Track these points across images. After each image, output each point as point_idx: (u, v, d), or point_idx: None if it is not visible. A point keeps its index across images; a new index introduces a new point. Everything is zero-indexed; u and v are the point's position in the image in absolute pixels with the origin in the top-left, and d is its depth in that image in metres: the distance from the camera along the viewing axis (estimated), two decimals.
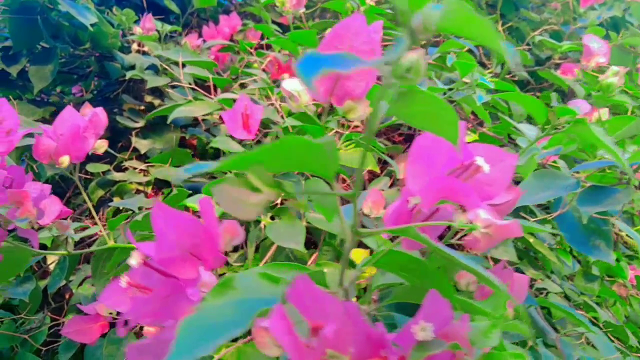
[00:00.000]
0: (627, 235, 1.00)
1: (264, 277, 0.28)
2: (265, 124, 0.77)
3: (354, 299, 0.56)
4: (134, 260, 0.30)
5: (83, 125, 0.54)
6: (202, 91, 0.88)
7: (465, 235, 0.35)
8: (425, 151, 0.31)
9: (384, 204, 0.37)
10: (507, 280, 0.43)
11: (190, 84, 0.89)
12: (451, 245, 0.38)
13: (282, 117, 0.72)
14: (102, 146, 0.56)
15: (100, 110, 0.56)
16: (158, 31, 1.05)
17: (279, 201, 0.72)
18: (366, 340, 0.27)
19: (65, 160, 0.53)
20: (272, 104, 0.75)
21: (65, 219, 0.56)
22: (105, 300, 0.33)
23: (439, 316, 0.28)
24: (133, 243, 0.31)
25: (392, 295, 0.36)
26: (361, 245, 0.75)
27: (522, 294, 0.47)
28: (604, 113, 0.59)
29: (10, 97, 1.05)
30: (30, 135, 0.60)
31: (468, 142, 0.34)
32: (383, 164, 0.85)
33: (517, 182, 0.77)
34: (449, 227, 0.34)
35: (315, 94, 0.31)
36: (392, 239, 0.38)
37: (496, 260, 0.67)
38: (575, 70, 0.72)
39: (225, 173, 0.76)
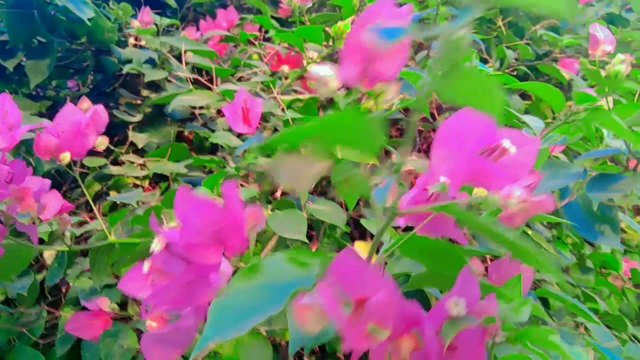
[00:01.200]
0: (622, 228, 1.01)
1: (291, 262, 0.28)
2: (266, 117, 0.77)
3: None
4: (157, 245, 0.30)
5: (84, 122, 0.53)
6: (202, 80, 0.88)
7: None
8: (454, 134, 0.31)
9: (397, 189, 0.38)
10: (515, 273, 0.43)
11: (187, 74, 0.89)
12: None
13: (282, 110, 0.72)
14: (102, 143, 0.56)
15: (101, 108, 0.56)
16: (156, 25, 1.05)
17: (278, 193, 0.73)
18: (401, 316, 0.28)
19: (66, 157, 0.52)
20: (273, 97, 0.75)
21: (68, 214, 0.56)
22: (124, 286, 0.33)
23: (470, 294, 0.28)
24: (156, 229, 0.31)
25: (410, 282, 0.36)
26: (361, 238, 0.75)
27: (527, 285, 0.48)
28: (610, 101, 0.59)
29: (7, 91, 1.04)
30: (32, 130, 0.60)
31: None
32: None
33: None
34: None
35: (346, 78, 0.31)
36: (404, 230, 0.38)
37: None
38: (581, 60, 0.72)
39: (209, 169, 0.76)
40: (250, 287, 0.25)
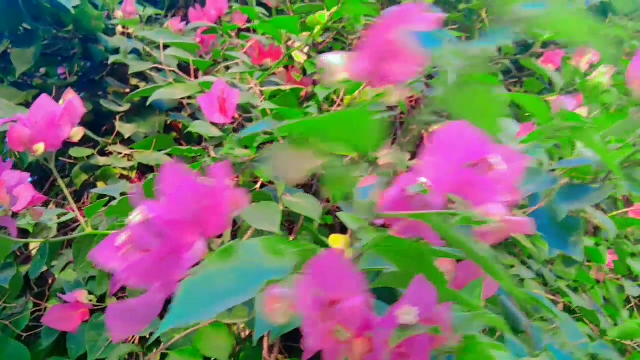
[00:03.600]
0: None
1: (267, 248, 0.28)
2: (246, 109, 0.77)
3: None
4: (139, 216, 0.30)
5: (58, 113, 0.53)
6: (184, 75, 0.88)
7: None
8: (446, 143, 0.32)
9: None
10: (481, 273, 0.44)
11: (172, 67, 0.89)
12: None
13: (261, 100, 0.72)
14: (78, 134, 0.56)
15: (76, 98, 0.56)
16: (140, 15, 1.04)
17: (258, 186, 0.73)
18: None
19: (40, 148, 0.52)
20: (251, 88, 0.75)
21: (42, 205, 0.56)
22: (97, 256, 0.33)
23: (423, 301, 0.29)
24: (135, 201, 0.31)
25: (379, 280, 0.36)
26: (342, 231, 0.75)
27: (495, 284, 0.48)
28: (582, 111, 0.59)
29: None
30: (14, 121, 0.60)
31: None
32: None
33: None
34: None
35: (358, 71, 0.31)
36: (382, 225, 0.38)
37: None
38: (563, 64, 0.72)
39: (193, 157, 0.76)
40: (223, 270, 0.24)
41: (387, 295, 0.42)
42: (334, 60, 0.38)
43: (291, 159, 0.28)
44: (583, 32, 0.23)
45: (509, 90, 1.05)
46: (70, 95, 0.60)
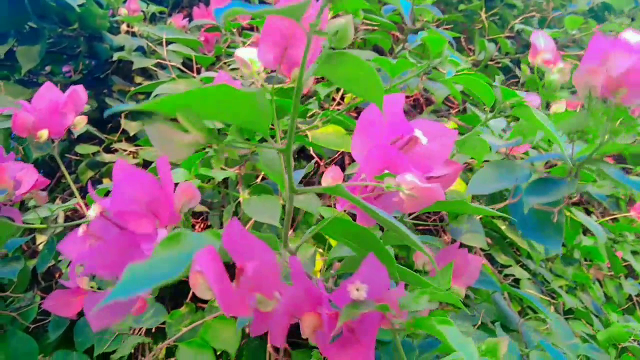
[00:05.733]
0: (607, 220, 1.02)
1: (211, 234, 0.29)
2: None
3: (318, 274, 0.58)
4: (92, 211, 0.32)
5: (62, 100, 0.54)
6: (188, 72, 0.89)
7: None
8: (369, 123, 0.32)
9: (342, 180, 0.39)
10: (458, 260, 0.44)
11: (175, 63, 0.90)
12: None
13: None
14: (81, 122, 0.57)
15: (80, 87, 0.57)
16: (144, 12, 1.05)
17: (259, 179, 0.74)
18: (305, 294, 0.29)
19: (43, 134, 0.53)
20: (252, 83, 0.76)
21: (45, 190, 0.57)
22: (64, 249, 0.34)
23: (375, 280, 0.29)
24: (92, 195, 0.32)
25: (342, 266, 0.37)
26: None
27: (475, 275, 0.49)
28: (560, 107, 0.60)
29: None
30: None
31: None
32: None
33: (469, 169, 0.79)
34: None
35: (265, 61, 0.32)
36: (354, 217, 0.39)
37: (469, 247, 0.68)
38: (522, 67, 0.73)
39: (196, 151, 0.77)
40: (165, 256, 0.25)
41: None
42: (247, 54, 0.39)
43: (167, 134, 0.28)
44: None
45: None
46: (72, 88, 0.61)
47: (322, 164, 0.88)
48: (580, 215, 0.68)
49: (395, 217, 0.37)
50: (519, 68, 1.15)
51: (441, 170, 0.34)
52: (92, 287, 0.60)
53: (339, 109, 0.86)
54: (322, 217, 0.72)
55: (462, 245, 0.69)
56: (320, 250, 0.62)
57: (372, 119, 0.33)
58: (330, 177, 0.44)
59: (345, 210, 0.36)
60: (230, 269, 0.28)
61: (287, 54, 0.32)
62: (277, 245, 0.32)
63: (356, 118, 0.92)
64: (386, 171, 0.31)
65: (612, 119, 0.47)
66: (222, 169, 0.65)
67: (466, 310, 0.56)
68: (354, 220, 0.39)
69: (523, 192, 0.52)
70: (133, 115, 1.05)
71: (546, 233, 0.53)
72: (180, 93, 0.24)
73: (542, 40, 0.60)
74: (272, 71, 0.87)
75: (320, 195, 0.70)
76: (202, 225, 0.96)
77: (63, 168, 0.61)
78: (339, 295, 0.30)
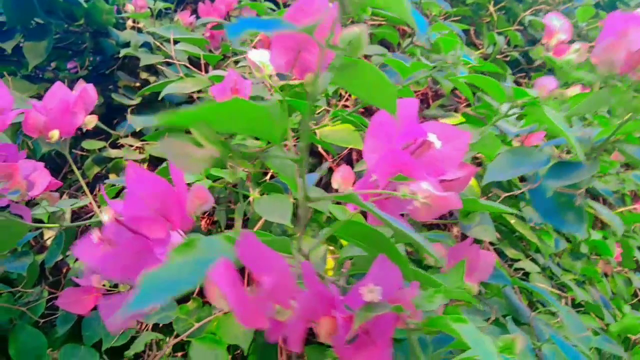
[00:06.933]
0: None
1: (226, 239, 0.29)
2: (255, 100, 0.77)
3: (330, 273, 0.58)
4: (105, 216, 0.31)
5: (72, 100, 0.54)
6: (195, 69, 0.89)
7: None
8: (382, 127, 0.32)
9: (353, 180, 0.39)
10: (471, 256, 0.44)
11: (182, 61, 0.90)
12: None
13: (271, 94, 0.73)
14: (91, 121, 0.57)
15: (90, 86, 0.57)
16: (150, 8, 1.05)
17: (267, 177, 0.74)
18: (319, 299, 0.29)
19: (54, 135, 0.53)
20: (262, 82, 0.76)
21: (56, 191, 0.58)
22: (78, 253, 0.34)
23: (387, 280, 0.29)
24: (106, 199, 0.32)
25: (353, 266, 0.37)
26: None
27: (488, 270, 0.49)
28: (575, 90, 0.60)
29: (5, 73, 1.06)
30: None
31: (454, 125, 0.35)
32: None
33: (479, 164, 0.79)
34: None
35: (277, 66, 0.32)
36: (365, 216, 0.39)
37: (478, 241, 0.69)
38: (537, 48, 0.72)
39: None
40: (182, 262, 0.25)
41: None
42: (260, 57, 0.39)
43: (182, 149, 0.28)
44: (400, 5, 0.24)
45: (518, 84, 1.06)
46: (81, 87, 0.61)
47: (330, 160, 0.88)
48: (596, 206, 0.68)
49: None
50: (527, 62, 1.15)
51: (455, 173, 0.34)
52: (104, 285, 0.61)
53: (345, 105, 0.86)
54: (331, 215, 0.72)
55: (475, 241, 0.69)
56: (331, 247, 0.62)
57: (385, 122, 0.33)
58: (340, 177, 0.44)
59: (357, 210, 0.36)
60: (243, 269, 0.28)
61: (300, 58, 0.32)
62: (289, 248, 0.32)
63: (363, 114, 0.93)
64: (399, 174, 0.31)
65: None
66: (230, 166, 0.65)
67: (480, 306, 0.56)
68: (365, 217, 0.39)
69: (543, 177, 0.52)
70: (139, 111, 1.05)
71: (568, 218, 0.53)
72: (196, 108, 0.24)
73: (556, 21, 0.59)
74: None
75: (328, 191, 0.70)
76: (207, 221, 0.96)
77: (73, 166, 0.61)
78: (352, 297, 0.30)
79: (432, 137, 0.32)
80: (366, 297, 0.29)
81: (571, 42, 0.70)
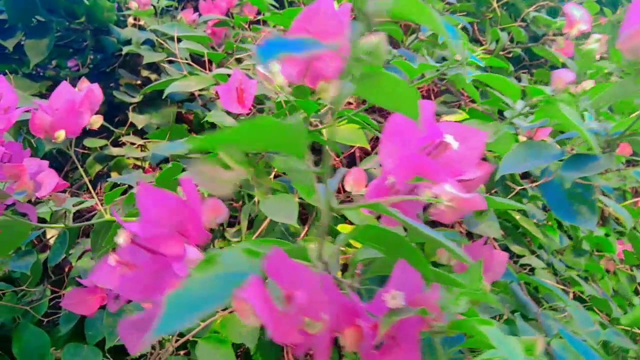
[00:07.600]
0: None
1: (246, 253, 0.28)
2: (260, 100, 0.77)
3: (339, 274, 0.58)
4: (121, 238, 0.31)
5: (78, 100, 0.54)
6: (197, 67, 0.88)
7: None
8: (398, 130, 0.32)
9: (365, 182, 0.39)
10: (484, 256, 0.44)
11: (186, 59, 0.90)
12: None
13: (276, 93, 0.72)
14: (97, 121, 0.57)
15: (95, 86, 0.57)
16: (154, 6, 1.05)
17: (271, 177, 0.73)
18: (342, 309, 0.29)
19: (61, 135, 0.53)
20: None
21: (63, 191, 0.57)
22: (96, 278, 0.34)
23: (409, 285, 0.29)
24: (119, 221, 0.32)
25: (370, 269, 0.37)
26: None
27: (500, 270, 0.49)
28: (589, 84, 0.59)
29: (7, 71, 1.05)
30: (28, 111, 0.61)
31: (459, 121, 0.35)
32: (374, 141, 0.86)
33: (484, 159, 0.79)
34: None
35: (288, 76, 0.32)
36: (377, 217, 0.39)
37: (480, 237, 0.69)
38: (557, 39, 0.72)
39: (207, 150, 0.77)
40: (205, 278, 0.25)
41: None
42: (270, 67, 0.39)
43: (210, 173, 0.29)
44: (429, 16, 0.24)
45: (520, 80, 1.05)
46: (84, 84, 0.61)
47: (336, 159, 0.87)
48: (607, 201, 0.68)
49: None
50: (530, 58, 1.15)
51: (473, 172, 0.34)
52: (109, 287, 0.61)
53: (349, 102, 0.86)
54: (336, 215, 0.72)
55: (475, 236, 0.69)
56: (342, 248, 0.61)
57: (401, 125, 0.32)
58: (353, 180, 0.44)
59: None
60: None
61: (312, 67, 0.31)
62: (306, 255, 0.32)
63: (367, 112, 0.92)
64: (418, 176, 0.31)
65: None
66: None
67: (498, 305, 0.56)
68: (378, 218, 0.39)
69: (560, 168, 0.52)
70: (140, 109, 1.05)
71: (580, 212, 0.53)
72: (225, 131, 0.24)
73: (577, 11, 0.59)
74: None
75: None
76: None
77: (78, 164, 0.61)
78: (375, 305, 0.30)
79: (449, 138, 0.32)
80: (390, 303, 0.29)
81: (577, 38, 0.70)
